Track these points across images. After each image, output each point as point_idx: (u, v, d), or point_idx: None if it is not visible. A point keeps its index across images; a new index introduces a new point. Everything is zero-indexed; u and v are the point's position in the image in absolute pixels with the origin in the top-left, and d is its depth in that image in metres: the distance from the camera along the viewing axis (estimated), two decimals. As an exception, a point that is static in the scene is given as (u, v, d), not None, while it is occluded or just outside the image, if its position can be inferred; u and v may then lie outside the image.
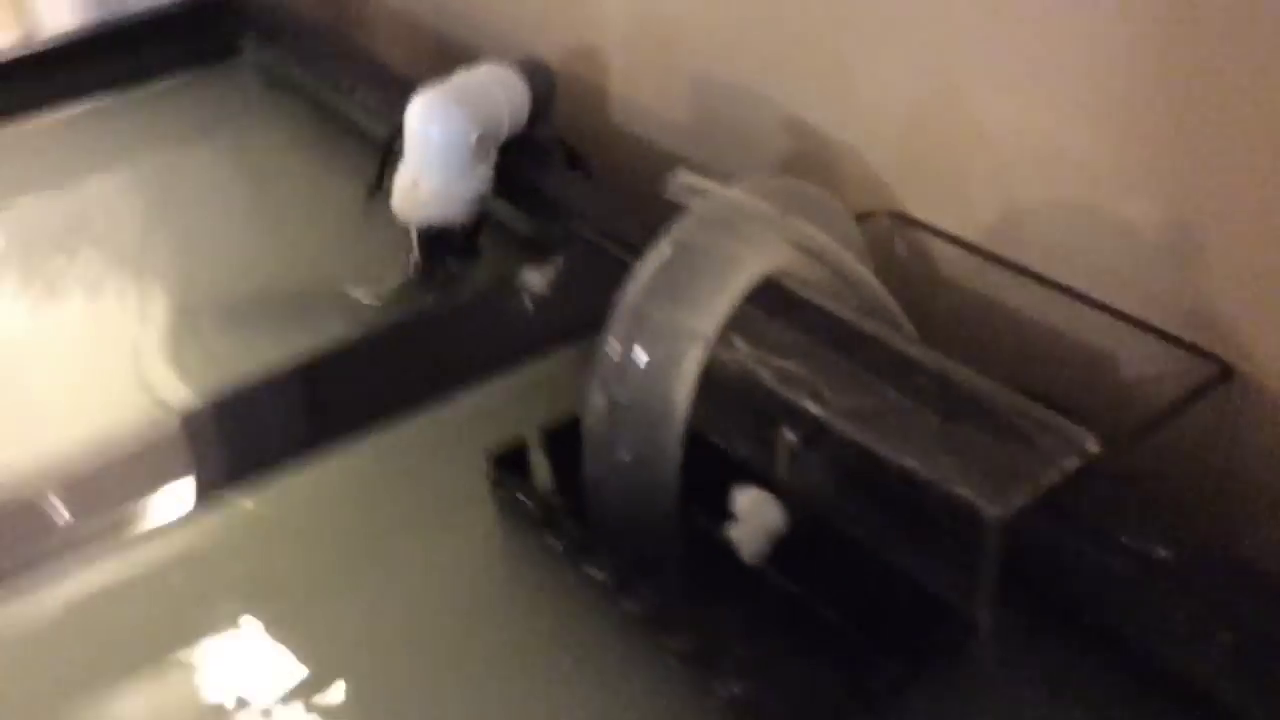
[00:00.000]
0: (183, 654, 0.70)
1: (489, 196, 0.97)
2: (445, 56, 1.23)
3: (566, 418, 0.75)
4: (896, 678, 0.64)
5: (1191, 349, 0.72)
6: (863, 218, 0.83)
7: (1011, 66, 0.77)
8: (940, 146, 0.84)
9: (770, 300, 0.70)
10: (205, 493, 0.78)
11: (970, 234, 0.83)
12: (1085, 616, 0.67)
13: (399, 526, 0.78)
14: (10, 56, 1.33)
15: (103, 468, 0.79)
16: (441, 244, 0.96)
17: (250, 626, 0.72)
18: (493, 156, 0.96)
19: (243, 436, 0.84)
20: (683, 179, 0.72)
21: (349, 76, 1.23)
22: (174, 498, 0.77)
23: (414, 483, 0.81)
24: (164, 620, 0.73)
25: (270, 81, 1.37)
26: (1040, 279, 0.79)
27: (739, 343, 0.70)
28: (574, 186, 1.01)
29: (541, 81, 1.01)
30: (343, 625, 0.72)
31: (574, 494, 0.72)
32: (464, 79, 0.97)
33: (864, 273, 0.74)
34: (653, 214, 0.72)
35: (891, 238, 0.87)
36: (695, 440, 0.70)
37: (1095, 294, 0.76)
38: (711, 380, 0.69)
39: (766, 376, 0.69)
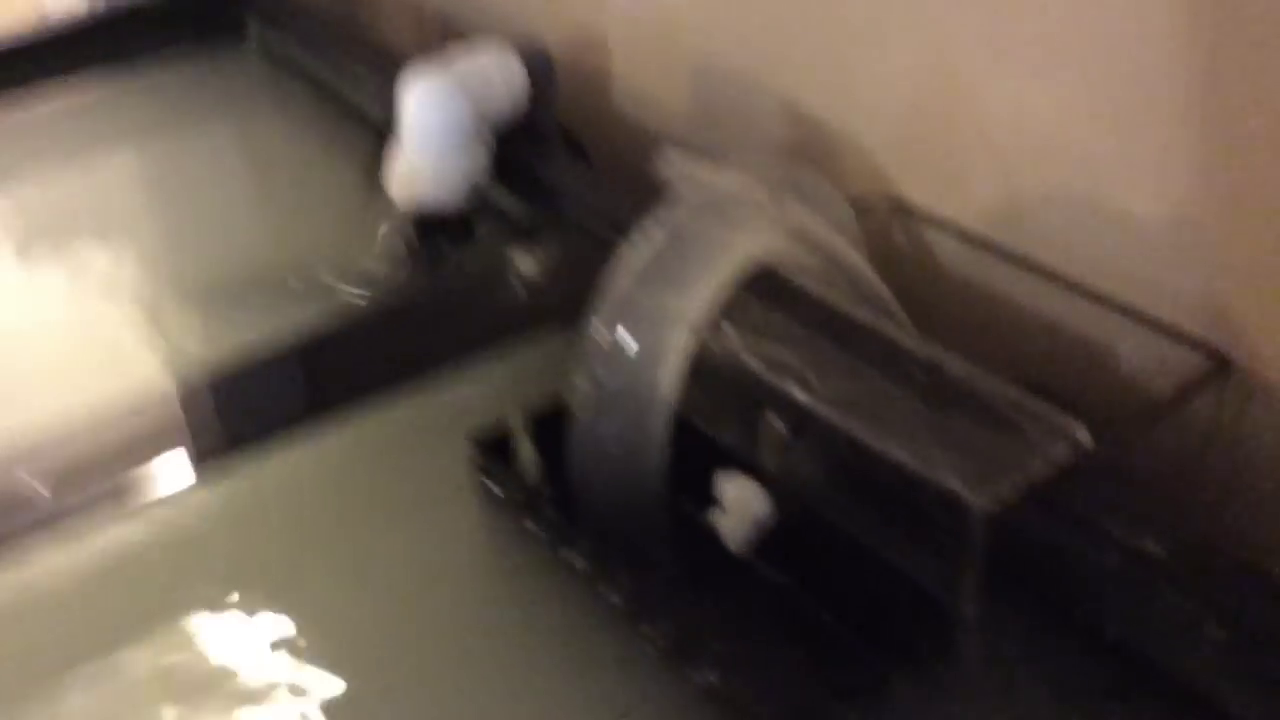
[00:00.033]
0: (162, 634, 0.70)
1: (485, 181, 0.96)
2: (450, 40, 1.22)
3: (553, 402, 0.74)
4: (879, 672, 0.63)
5: (1190, 341, 0.71)
6: (860, 205, 0.82)
7: (1012, 53, 0.76)
8: (940, 134, 0.83)
9: (760, 286, 0.70)
10: (193, 468, 0.78)
11: (969, 222, 0.82)
12: (1075, 612, 0.66)
13: (382, 510, 0.78)
14: (17, 39, 1.33)
15: (91, 444, 0.79)
16: (436, 228, 0.96)
17: (229, 608, 0.71)
18: (489, 141, 0.96)
19: (230, 415, 0.84)
20: (671, 160, 0.71)
21: (352, 59, 1.22)
22: (161, 473, 0.77)
23: (399, 465, 0.81)
24: (144, 600, 0.73)
25: (275, 64, 1.36)
26: (1039, 269, 0.78)
27: (727, 329, 0.69)
28: (572, 173, 1.00)
29: (540, 66, 1.00)
30: (322, 608, 0.72)
31: (560, 480, 0.71)
32: (460, 61, 0.96)
33: (857, 260, 0.73)
34: (650, 201, 0.72)
35: (889, 226, 0.86)
36: (682, 427, 0.69)
37: (1094, 285, 0.76)
38: (699, 367, 0.68)
39: (755, 363, 0.68)
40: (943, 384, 0.66)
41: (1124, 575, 0.63)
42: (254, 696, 0.67)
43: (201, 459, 0.79)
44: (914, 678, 0.64)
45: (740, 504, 0.70)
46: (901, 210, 0.86)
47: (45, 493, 0.74)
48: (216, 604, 0.72)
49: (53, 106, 1.32)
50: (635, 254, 0.68)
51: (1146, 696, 0.63)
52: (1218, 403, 0.70)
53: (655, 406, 0.68)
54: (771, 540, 0.70)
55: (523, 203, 1.00)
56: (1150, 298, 0.73)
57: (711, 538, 0.70)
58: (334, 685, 0.67)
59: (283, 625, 0.70)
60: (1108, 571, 0.64)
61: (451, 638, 0.69)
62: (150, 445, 0.79)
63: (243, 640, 0.70)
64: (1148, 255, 0.73)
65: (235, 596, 0.72)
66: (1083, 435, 0.61)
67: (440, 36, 1.30)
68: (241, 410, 0.85)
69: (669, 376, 0.68)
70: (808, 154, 0.92)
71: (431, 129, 0.92)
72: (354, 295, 0.95)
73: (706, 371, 0.69)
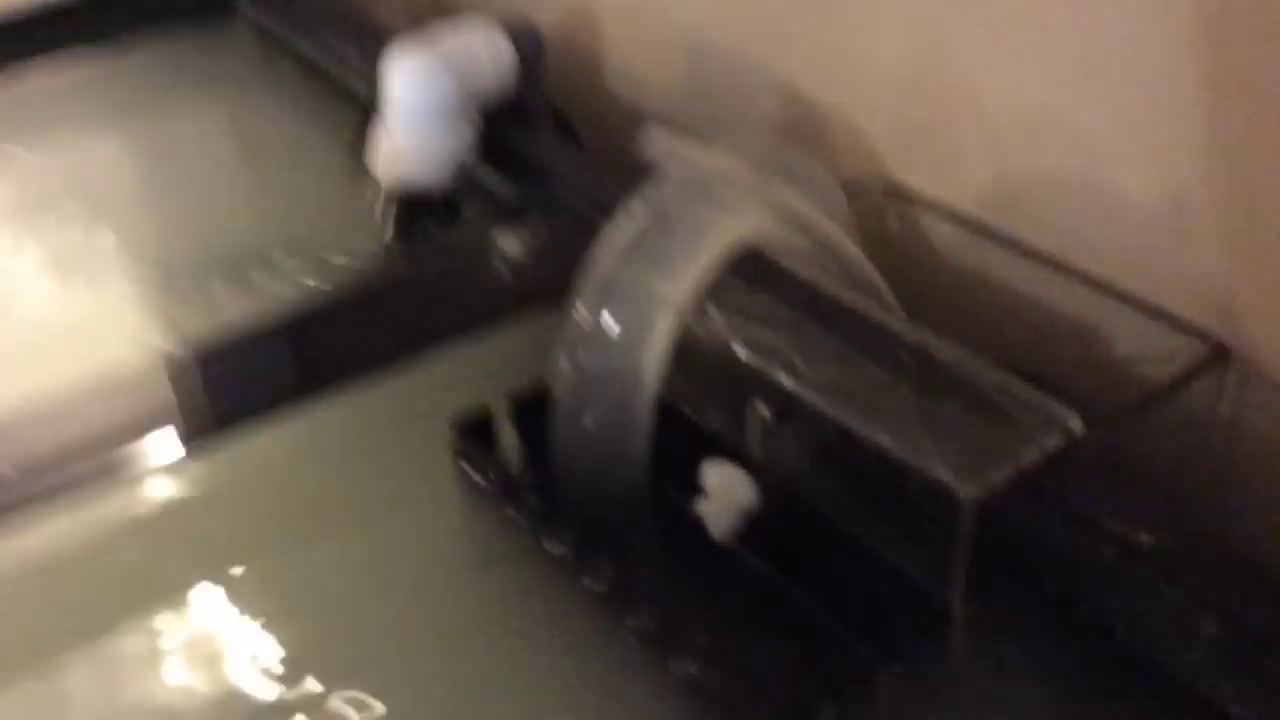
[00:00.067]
0: (147, 611, 0.69)
1: (472, 161, 0.95)
2: (442, 17, 1.21)
3: (537, 386, 0.72)
4: (864, 664, 0.62)
5: (1188, 329, 0.70)
6: (853, 188, 0.81)
7: (1008, 33, 0.75)
8: (935, 116, 0.82)
9: (747, 269, 0.68)
10: (177, 447, 0.78)
11: (964, 204, 0.81)
12: (1066, 605, 0.65)
13: (361, 493, 0.77)
14: (6, 16, 1.32)
15: (74, 422, 0.79)
16: (420, 207, 0.94)
17: (213, 586, 0.71)
18: (474, 118, 0.94)
19: (212, 394, 0.84)
20: (656, 138, 0.69)
21: (342, 37, 1.21)
22: (145, 452, 0.77)
23: (382, 447, 0.80)
24: (128, 577, 0.72)
25: (264, 41, 1.35)
26: (1034, 254, 0.77)
27: (713, 312, 0.67)
28: (560, 153, 0.98)
29: (528, 43, 0.98)
30: (302, 587, 0.71)
31: (543, 464, 0.70)
32: (446, 39, 0.95)
33: (847, 243, 0.71)
34: (640, 182, 0.70)
35: (883, 209, 0.85)
36: (667, 412, 0.68)
37: (1090, 268, 0.74)
38: (683, 350, 0.67)
39: (741, 348, 0.66)
40: (933, 370, 0.64)
41: (1117, 568, 0.62)
42: (236, 674, 0.66)
43: (184, 438, 0.79)
44: (901, 671, 0.62)
45: (725, 491, 0.69)
46: (895, 193, 0.84)
47: (11, 472, 0.74)
48: (200, 582, 0.71)
49: (41, 84, 1.31)
50: (619, 234, 0.67)
51: (1140, 692, 0.61)
52: (1216, 392, 0.69)
53: (638, 391, 0.67)
54: (757, 528, 0.68)
55: (510, 183, 0.99)
56: (1148, 283, 0.72)
57: (695, 525, 0.69)
58: (307, 671, 0.66)
59: (258, 609, 0.69)
60: (1101, 564, 0.63)
61: (431, 623, 0.68)
62: (133, 423, 0.79)
63: (225, 618, 0.69)
64: (1145, 239, 0.71)
65: (218, 574, 0.71)
66: (1076, 424, 0.60)
67: (432, 14, 1.29)
68: (224, 390, 0.84)
69: (653, 360, 0.67)
70: (801, 135, 0.91)
71: (415, 106, 0.91)
72: (338, 275, 0.94)
73: (691, 355, 0.68)
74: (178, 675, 0.66)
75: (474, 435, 0.75)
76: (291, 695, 0.64)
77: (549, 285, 0.73)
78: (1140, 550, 0.61)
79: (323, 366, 0.86)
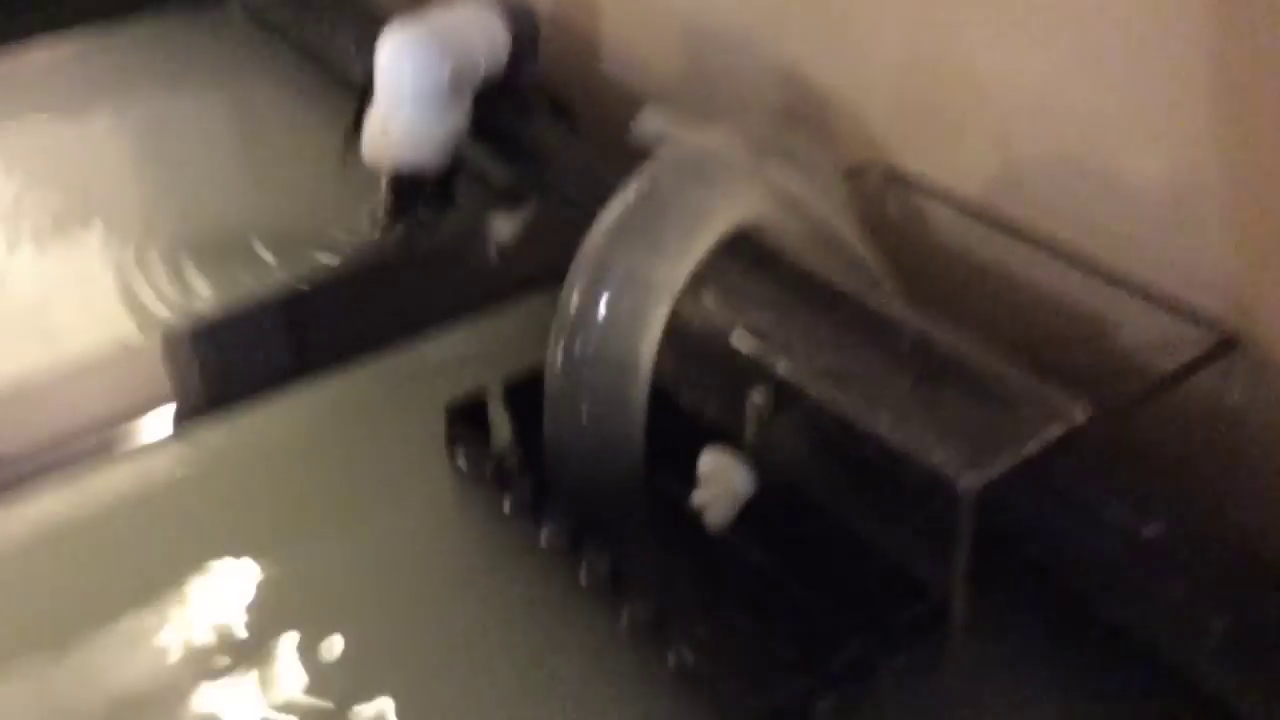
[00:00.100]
0: (130, 596, 0.69)
1: (464, 142, 0.94)
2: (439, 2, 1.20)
3: (531, 371, 0.71)
4: (862, 655, 0.61)
5: (1195, 316, 0.68)
6: (853, 172, 0.80)
7: (1010, 13, 0.74)
8: (936, 98, 0.81)
9: (742, 253, 0.68)
10: (170, 425, 0.78)
11: (966, 189, 0.80)
12: (1067, 597, 0.64)
13: (354, 477, 0.76)
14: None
15: (67, 400, 0.80)
16: (413, 190, 0.93)
17: (206, 564, 0.70)
18: (468, 100, 0.93)
19: (205, 375, 0.84)
20: (651, 119, 0.68)
21: (336, 19, 1.20)
22: (139, 429, 0.77)
23: (372, 432, 0.79)
24: (122, 554, 0.72)
25: (258, 23, 1.35)
26: (1037, 239, 0.76)
27: (708, 296, 0.66)
28: (554, 136, 0.97)
29: (524, 24, 0.97)
30: (288, 574, 0.70)
31: (537, 450, 0.69)
32: (438, 16, 0.93)
33: (844, 226, 0.70)
34: (637, 165, 0.69)
35: (882, 193, 0.83)
36: (662, 399, 0.67)
37: (1096, 255, 0.73)
38: (677, 336, 0.66)
39: (736, 333, 0.65)
40: (932, 357, 0.64)
41: (1122, 561, 0.61)
42: (230, 649, 0.66)
43: (177, 417, 0.79)
44: (900, 662, 0.61)
45: (720, 479, 0.67)
46: (895, 178, 0.83)
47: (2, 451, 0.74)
48: (191, 562, 0.70)
49: (34, 62, 1.31)
50: (612, 217, 0.65)
51: (1143, 687, 0.61)
52: (1223, 381, 0.67)
53: (633, 377, 0.65)
54: (753, 518, 0.67)
55: (504, 166, 0.98)
56: (1153, 270, 0.71)
57: (691, 514, 0.68)
58: (293, 654, 0.65)
59: (250, 592, 0.69)
60: (1105, 557, 0.62)
61: (421, 608, 0.68)
62: (126, 403, 0.79)
63: (215, 599, 0.68)
64: (1151, 225, 0.70)
65: (208, 554, 0.71)
66: (1079, 413, 0.60)
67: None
68: (217, 371, 0.84)
69: (647, 346, 0.65)
70: (800, 119, 0.90)
71: (405, 83, 0.89)
72: (331, 258, 0.93)
73: (686, 341, 0.67)
74: (166, 653, 0.65)
75: (467, 421, 0.74)
76: (277, 673, 0.64)
77: (543, 269, 0.72)
78: (1145, 543, 0.60)
79: (316, 349, 0.86)
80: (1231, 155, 0.65)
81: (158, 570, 0.70)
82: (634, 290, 0.65)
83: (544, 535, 0.68)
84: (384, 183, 0.93)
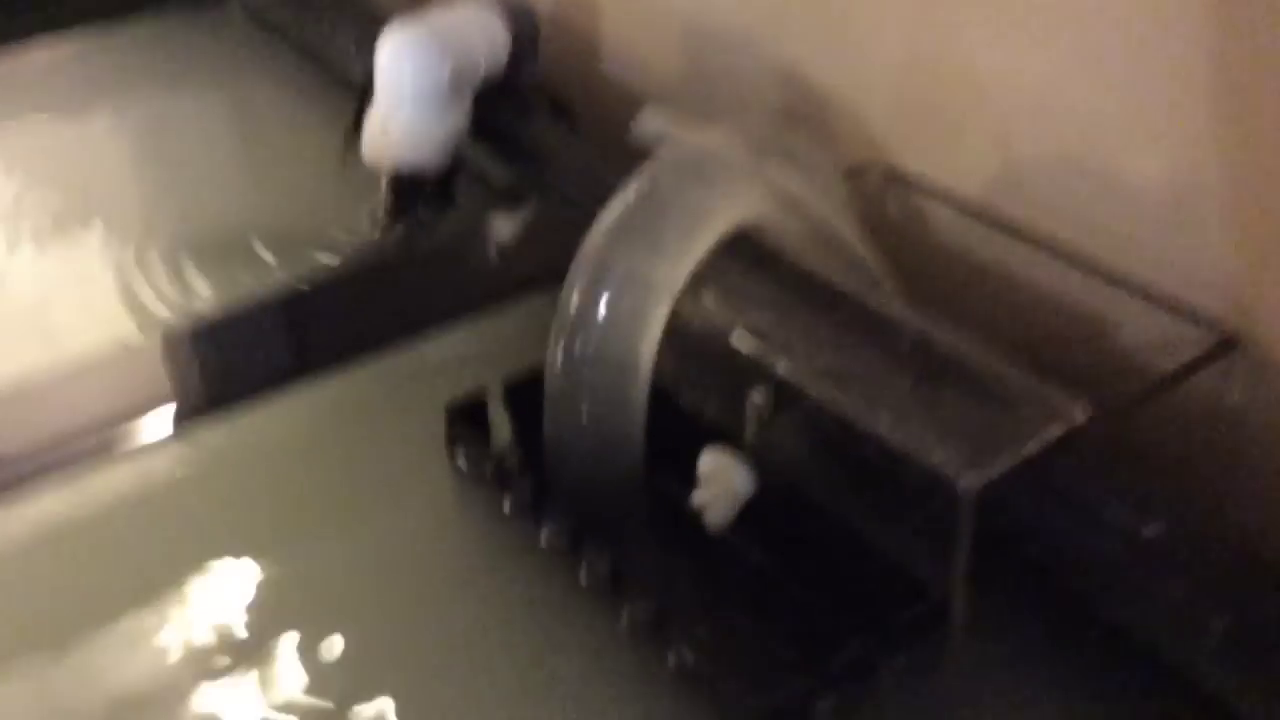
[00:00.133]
0: (128, 596, 0.68)
1: (464, 142, 0.93)
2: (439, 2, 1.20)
3: (529, 371, 0.71)
4: (862, 655, 0.61)
5: (1195, 317, 0.68)
6: (853, 173, 0.80)
7: (1010, 13, 0.74)
8: (936, 98, 0.80)
9: (742, 253, 0.67)
10: (170, 426, 0.78)
11: (967, 189, 0.80)
12: (1067, 597, 0.64)
13: (353, 477, 0.76)
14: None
15: (68, 399, 0.80)
16: (413, 190, 0.93)
17: (196, 569, 0.70)
18: (468, 100, 0.93)
19: (204, 375, 0.84)
20: (651, 119, 0.68)
21: (335, 19, 1.20)
22: (138, 430, 0.77)
23: (372, 432, 0.79)
24: (121, 553, 0.72)
25: (257, 23, 1.34)
26: (1037, 239, 0.76)
27: (707, 297, 0.66)
28: (554, 136, 0.97)
29: (524, 24, 0.97)
30: (287, 573, 0.70)
31: (537, 451, 0.69)
32: (438, 16, 0.93)
33: (844, 226, 0.70)
34: (637, 166, 0.69)
35: (882, 193, 0.83)
36: (662, 399, 0.67)
37: (1096, 255, 0.73)
38: (678, 335, 0.66)
39: (736, 333, 0.65)
40: (932, 357, 0.64)
41: (1122, 561, 0.61)
42: (230, 649, 0.66)
43: (177, 417, 0.79)
44: (900, 662, 0.61)
45: (720, 479, 0.67)
46: (895, 178, 0.83)
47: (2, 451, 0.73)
48: (190, 562, 0.70)
49: (33, 62, 1.31)
50: (611, 216, 0.65)
51: (1143, 688, 0.60)
52: (1223, 381, 0.67)
53: (631, 376, 0.65)
54: (753, 518, 0.67)
55: (504, 166, 0.98)
56: (1153, 270, 0.70)
57: (691, 514, 0.67)
58: (292, 653, 0.65)
59: (254, 585, 0.69)
60: (1105, 557, 0.62)
61: (421, 608, 0.68)
62: (126, 403, 0.79)
63: (214, 599, 0.68)
64: (1151, 225, 0.70)
65: (207, 554, 0.71)
66: (1079, 413, 0.59)
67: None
68: (217, 370, 0.84)
69: (647, 346, 0.65)
70: (800, 119, 0.90)
71: (405, 83, 0.89)
72: (330, 259, 0.93)
73: (686, 341, 0.67)
74: (165, 653, 0.65)
75: (467, 421, 0.74)
76: (277, 673, 0.64)
77: (543, 269, 0.72)
78: (1145, 543, 0.60)
79: (316, 349, 0.86)
80: (1232, 155, 0.65)
81: (157, 570, 0.69)
82: (634, 290, 0.64)
83: (544, 535, 0.68)
84: (384, 183, 0.93)
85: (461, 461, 0.74)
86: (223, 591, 0.68)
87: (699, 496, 0.67)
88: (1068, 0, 0.70)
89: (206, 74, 1.29)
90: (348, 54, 1.14)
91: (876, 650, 0.61)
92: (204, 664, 0.65)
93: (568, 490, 0.68)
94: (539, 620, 0.66)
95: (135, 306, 0.92)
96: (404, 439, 0.76)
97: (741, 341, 0.65)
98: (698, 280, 0.65)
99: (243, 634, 0.66)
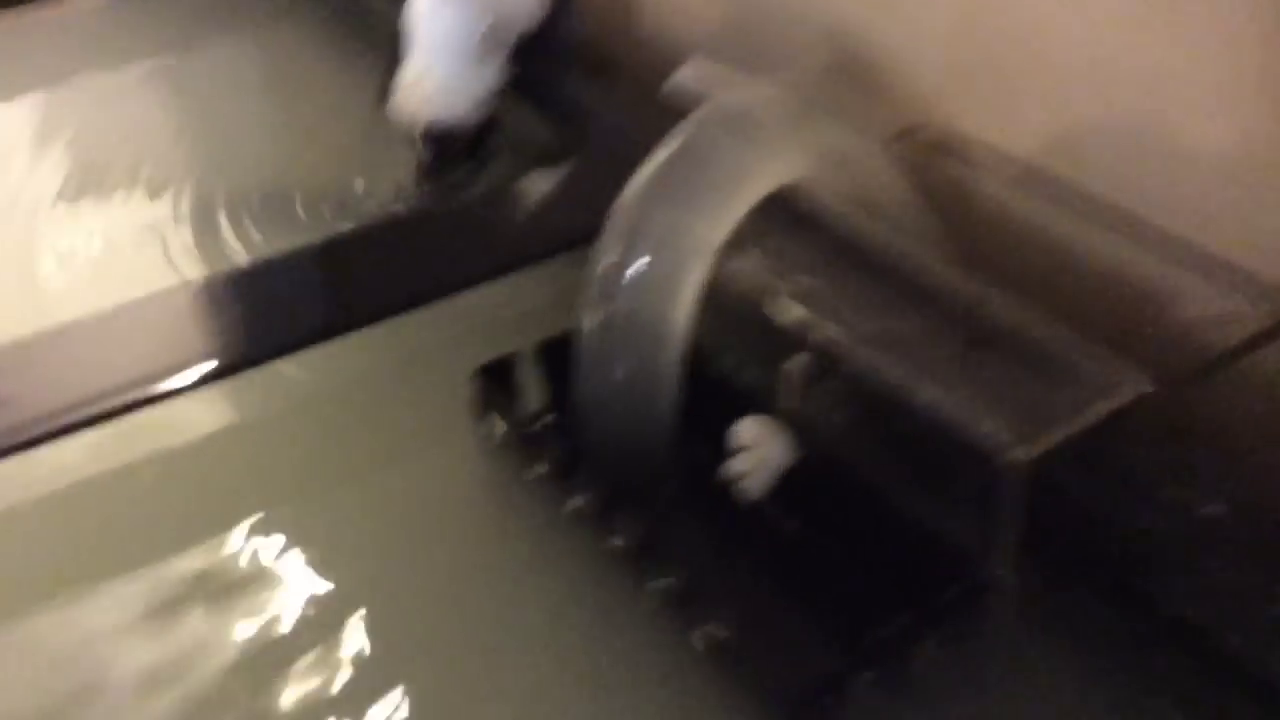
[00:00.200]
0: (156, 551, 0.68)
1: (500, 99, 0.92)
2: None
3: (562, 333, 0.69)
4: (900, 634, 0.59)
5: (1259, 289, 0.67)
6: (903, 135, 0.78)
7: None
8: (989, 56, 0.79)
9: (786, 212, 0.66)
10: (199, 379, 0.78)
11: (1020, 153, 0.78)
12: (1120, 577, 0.62)
13: (381, 437, 0.75)
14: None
15: (100, 352, 0.80)
16: (448, 145, 0.91)
17: (223, 525, 0.69)
18: (504, 53, 0.91)
19: (234, 329, 0.83)
20: (693, 71, 0.66)
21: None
22: (167, 384, 0.77)
23: (402, 390, 0.78)
24: (153, 507, 0.71)
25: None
26: (1095, 207, 0.74)
27: (748, 256, 0.64)
28: (595, 91, 0.95)
29: (563, -26, 0.95)
30: (313, 533, 0.69)
31: (568, 413, 0.67)
32: (475, -34, 0.92)
33: (895, 186, 0.68)
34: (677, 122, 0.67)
35: (933, 157, 0.82)
36: (697, 363, 0.65)
37: (1156, 223, 0.72)
38: (716, 297, 0.64)
39: (777, 295, 0.64)
40: (982, 325, 0.62)
41: (1179, 541, 0.60)
42: (259, 606, 0.65)
43: (210, 372, 0.78)
44: (940, 643, 0.59)
45: (757, 448, 0.66)
46: (946, 140, 0.82)
47: (32, 404, 0.74)
48: (217, 518, 0.70)
49: (72, 16, 1.31)
50: (648, 173, 0.63)
51: (1197, 674, 0.58)
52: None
53: (667, 338, 0.64)
54: (790, 488, 0.66)
55: (540, 122, 0.97)
56: (1216, 240, 0.69)
57: (725, 483, 0.66)
58: (313, 619, 0.64)
59: (280, 543, 0.68)
60: (1161, 536, 0.60)
61: (446, 575, 0.66)
62: (156, 354, 0.79)
63: (242, 555, 0.68)
64: (1217, 193, 0.69)
65: (236, 510, 0.70)
66: (1138, 386, 0.58)
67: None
68: (247, 326, 0.84)
69: (683, 308, 0.64)
70: (848, 79, 0.88)
71: (438, 34, 0.88)
72: (363, 215, 0.93)
73: (725, 304, 0.65)
74: (194, 610, 0.65)
75: (497, 383, 0.72)
76: (300, 637, 0.63)
77: (579, 228, 0.70)
78: (1204, 522, 0.59)
79: (345, 305, 0.85)
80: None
81: (182, 526, 0.69)
82: (670, 250, 0.62)
83: (573, 501, 0.67)
84: (418, 138, 0.92)
85: (490, 424, 0.73)
86: (245, 546, 0.68)
87: (735, 465, 0.66)
88: (1133, -49, 0.68)
89: (243, 29, 1.28)
90: (384, 6, 1.13)
91: (916, 628, 0.59)
92: (224, 616, 0.64)
93: (597, 456, 0.66)
94: (564, 588, 0.64)
95: (167, 258, 0.92)
96: (433, 398, 0.75)
97: (781, 305, 0.63)
98: (737, 241, 0.63)
99: (263, 590, 0.65)
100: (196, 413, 0.77)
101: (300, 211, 0.95)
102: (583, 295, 0.64)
